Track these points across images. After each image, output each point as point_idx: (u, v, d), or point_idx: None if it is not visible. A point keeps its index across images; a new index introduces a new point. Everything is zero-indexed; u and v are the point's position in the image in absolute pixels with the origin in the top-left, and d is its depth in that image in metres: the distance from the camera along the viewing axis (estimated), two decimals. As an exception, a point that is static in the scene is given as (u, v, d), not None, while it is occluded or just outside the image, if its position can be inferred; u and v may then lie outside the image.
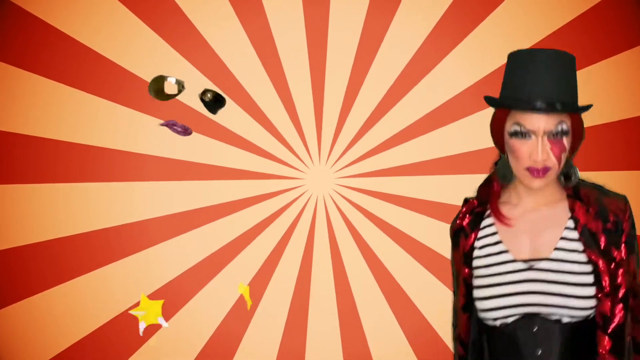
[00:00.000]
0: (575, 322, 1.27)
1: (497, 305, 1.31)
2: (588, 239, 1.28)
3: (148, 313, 2.21)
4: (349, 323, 2.28)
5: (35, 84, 2.21)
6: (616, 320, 1.26)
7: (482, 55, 2.20)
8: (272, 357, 2.28)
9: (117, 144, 2.24)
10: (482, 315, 1.35)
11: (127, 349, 2.23)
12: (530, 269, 1.31)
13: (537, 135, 1.26)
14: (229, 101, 2.25)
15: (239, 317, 2.27)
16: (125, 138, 2.24)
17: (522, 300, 1.29)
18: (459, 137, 2.23)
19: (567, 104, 1.26)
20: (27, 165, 2.22)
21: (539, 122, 1.25)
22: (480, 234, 1.40)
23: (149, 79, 2.22)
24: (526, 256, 1.33)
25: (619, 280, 1.27)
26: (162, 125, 2.19)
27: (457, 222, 1.46)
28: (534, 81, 1.26)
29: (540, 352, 1.27)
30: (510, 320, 1.31)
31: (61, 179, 2.23)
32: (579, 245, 1.29)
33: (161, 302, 2.23)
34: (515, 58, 1.32)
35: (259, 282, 2.29)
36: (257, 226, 2.29)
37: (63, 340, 2.21)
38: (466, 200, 1.48)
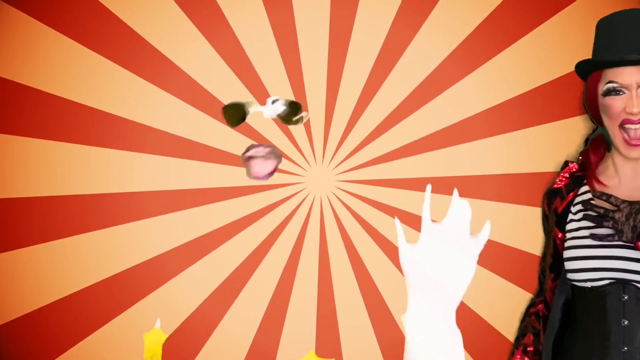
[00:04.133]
0: None
1: (588, 267, 1.29)
2: None
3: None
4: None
5: (50, 38, 2.19)
6: None
7: (500, 82, 2.21)
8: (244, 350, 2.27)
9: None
10: (572, 276, 1.32)
11: (103, 317, 2.22)
12: (625, 246, 1.28)
13: (631, 89, 1.26)
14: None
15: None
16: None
17: (614, 264, 1.27)
18: (466, 159, 2.23)
19: None
20: (33, 119, 2.20)
21: (631, 76, 1.26)
22: (577, 199, 1.40)
23: (166, 53, 2.21)
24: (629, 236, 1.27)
25: None
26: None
27: (555, 184, 1.46)
28: (620, 38, 1.28)
29: (626, 323, 1.24)
30: (600, 283, 1.28)
31: (64, 138, 2.22)
32: None
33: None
34: (600, 25, 1.35)
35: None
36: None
37: (41, 298, 2.20)
38: (566, 163, 1.47)
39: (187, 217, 2.27)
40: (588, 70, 1.36)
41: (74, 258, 2.21)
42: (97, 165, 2.21)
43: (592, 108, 1.37)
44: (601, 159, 1.41)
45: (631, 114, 1.25)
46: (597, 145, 1.41)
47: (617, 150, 1.33)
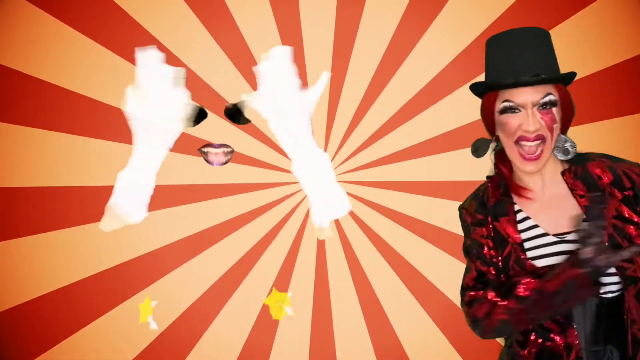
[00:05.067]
0: (610, 299, 1.25)
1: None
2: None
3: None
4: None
5: (55, 29, 2.20)
6: None
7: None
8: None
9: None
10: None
11: (98, 309, 2.22)
12: (562, 241, 1.30)
13: (527, 108, 1.28)
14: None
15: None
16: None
17: None
18: (467, 164, 2.21)
19: (551, 74, 1.28)
20: (35, 108, 2.20)
21: (527, 96, 1.27)
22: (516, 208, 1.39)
23: (171, 48, 2.21)
24: (553, 231, 1.31)
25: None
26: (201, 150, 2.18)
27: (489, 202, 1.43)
28: (515, 57, 1.29)
29: (575, 327, 1.26)
30: None
31: (65, 129, 2.22)
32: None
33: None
34: (493, 42, 1.35)
35: (241, 271, 2.29)
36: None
37: (37, 288, 2.20)
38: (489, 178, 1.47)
39: (186, 213, 2.27)
40: (483, 90, 1.37)
41: (71, 249, 2.21)
42: (98, 157, 2.21)
43: (488, 122, 1.39)
44: (511, 169, 1.41)
45: (527, 131, 1.27)
46: (503, 157, 1.41)
47: (514, 164, 1.35)
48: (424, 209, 2.26)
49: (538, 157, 1.29)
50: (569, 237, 1.29)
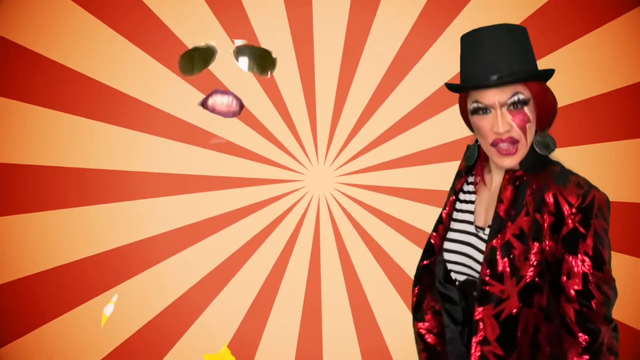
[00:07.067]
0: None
1: (447, 258, 1.36)
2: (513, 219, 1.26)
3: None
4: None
5: (67, 9, 2.19)
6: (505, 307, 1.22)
7: None
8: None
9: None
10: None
11: (89, 292, 2.22)
12: (476, 235, 1.33)
13: (495, 109, 1.27)
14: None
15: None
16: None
17: (465, 261, 1.32)
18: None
19: (516, 74, 1.26)
20: (42, 87, 2.20)
21: (493, 97, 1.26)
22: (465, 188, 1.44)
23: (182, 37, 2.22)
24: (480, 224, 1.35)
25: (522, 270, 1.22)
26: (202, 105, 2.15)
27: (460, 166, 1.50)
28: (481, 58, 1.29)
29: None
30: (459, 277, 1.34)
31: (69, 110, 2.22)
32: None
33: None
34: (465, 40, 1.34)
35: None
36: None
37: (30, 266, 2.20)
38: (468, 147, 1.48)
39: (184, 202, 2.26)
40: (453, 90, 1.39)
41: (66, 230, 2.20)
42: (100, 140, 2.21)
43: (466, 120, 1.41)
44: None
45: (498, 133, 1.26)
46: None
47: (493, 162, 1.35)
48: (421, 217, 2.25)
49: (514, 153, 1.27)
50: (483, 232, 1.31)
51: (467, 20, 2.20)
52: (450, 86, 1.37)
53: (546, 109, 1.31)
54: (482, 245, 1.29)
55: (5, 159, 2.19)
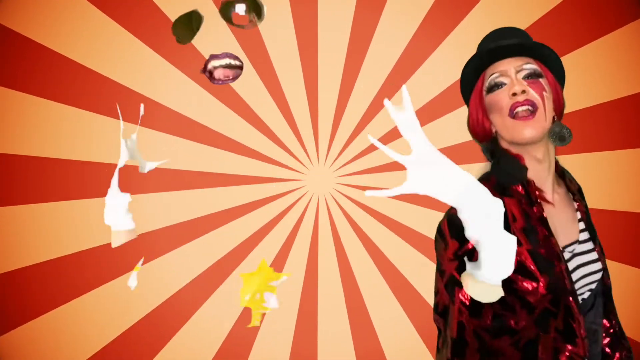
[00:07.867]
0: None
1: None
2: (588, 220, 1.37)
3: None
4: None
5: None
6: None
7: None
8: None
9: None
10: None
11: (85, 285, 2.21)
12: (573, 256, 1.31)
13: (510, 75, 1.30)
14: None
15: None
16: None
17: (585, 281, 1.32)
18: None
19: (527, 43, 1.32)
20: (45, 79, 2.20)
21: (509, 64, 1.31)
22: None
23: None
24: (562, 242, 1.31)
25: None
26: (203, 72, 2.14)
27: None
28: (497, 36, 1.37)
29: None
30: (585, 295, 1.33)
31: (72, 102, 2.22)
32: (582, 225, 1.35)
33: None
34: (483, 39, 1.42)
35: (231, 262, 2.27)
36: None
37: (27, 257, 2.19)
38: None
39: (183, 198, 2.26)
40: (469, 89, 1.40)
41: (65, 223, 2.20)
42: (101, 133, 2.21)
43: (477, 131, 1.41)
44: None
45: (515, 94, 1.26)
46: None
47: (515, 142, 1.30)
48: (420, 220, 2.25)
49: (532, 118, 1.26)
50: (577, 248, 1.33)
51: (472, 25, 2.20)
52: (467, 66, 1.39)
53: (556, 97, 1.33)
54: (582, 260, 1.29)
55: (6, 150, 2.19)
